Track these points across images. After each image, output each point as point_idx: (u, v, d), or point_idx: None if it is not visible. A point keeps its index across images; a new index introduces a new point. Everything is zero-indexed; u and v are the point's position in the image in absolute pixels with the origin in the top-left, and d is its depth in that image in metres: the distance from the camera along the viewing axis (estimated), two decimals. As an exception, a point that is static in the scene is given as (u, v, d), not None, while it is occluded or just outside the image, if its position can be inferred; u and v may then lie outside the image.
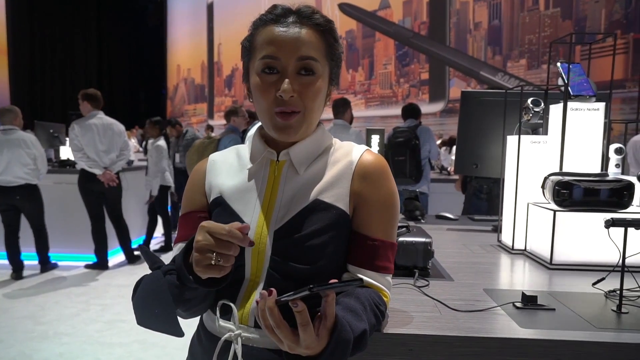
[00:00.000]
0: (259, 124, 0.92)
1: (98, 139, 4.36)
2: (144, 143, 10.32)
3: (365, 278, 0.83)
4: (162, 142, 5.14)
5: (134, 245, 4.95)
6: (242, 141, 3.81)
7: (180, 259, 0.74)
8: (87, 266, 4.59)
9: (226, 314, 0.83)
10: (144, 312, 0.77)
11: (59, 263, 4.63)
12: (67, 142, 4.99)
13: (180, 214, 0.94)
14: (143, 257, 0.84)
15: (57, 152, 5.66)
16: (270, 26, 0.81)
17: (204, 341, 0.89)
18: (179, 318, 0.79)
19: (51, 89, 15.97)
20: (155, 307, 0.75)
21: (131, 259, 4.81)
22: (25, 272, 4.31)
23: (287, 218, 0.82)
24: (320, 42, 0.82)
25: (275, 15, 0.81)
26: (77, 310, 3.51)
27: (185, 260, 0.74)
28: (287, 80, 0.79)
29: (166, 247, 5.32)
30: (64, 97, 15.74)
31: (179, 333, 0.76)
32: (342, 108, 4.00)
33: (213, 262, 0.67)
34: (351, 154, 0.88)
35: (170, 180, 5.18)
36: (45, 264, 4.45)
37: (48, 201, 4.43)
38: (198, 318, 0.96)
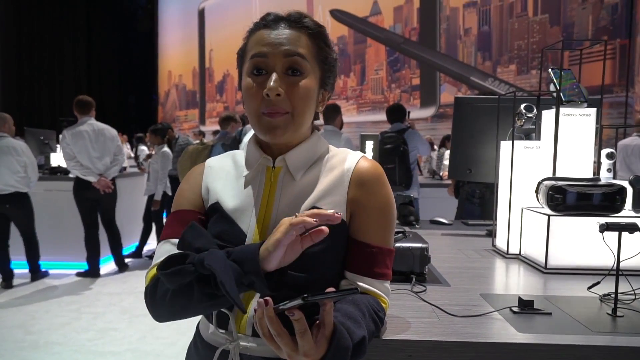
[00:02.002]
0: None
1: (90, 146, 4.32)
2: (134, 149, 10.26)
3: (363, 285, 0.83)
4: (167, 148, 5.12)
5: (125, 253, 4.90)
6: (235, 147, 3.80)
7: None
8: (78, 274, 4.53)
9: (223, 322, 0.83)
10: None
11: (50, 271, 4.58)
12: (58, 149, 4.93)
13: (171, 211, 0.90)
14: (190, 232, 0.76)
15: (47, 159, 5.59)
16: (261, 30, 0.83)
17: (200, 350, 0.88)
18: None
19: (41, 95, 15.81)
20: (225, 281, 0.69)
21: (122, 267, 4.77)
22: (15, 281, 4.25)
23: None
24: (310, 44, 0.83)
25: (267, 22, 0.84)
26: (68, 319, 3.46)
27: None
28: (273, 78, 0.79)
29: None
30: (53, 103, 15.60)
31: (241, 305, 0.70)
32: (332, 114, 4.01)
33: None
34: (347, 161, 0.88)
35: (168, 187, 5.14)
36: (36, 273, 4.39)
37: (38, 209, 4.38)
38: (194, 327, 0.95)
